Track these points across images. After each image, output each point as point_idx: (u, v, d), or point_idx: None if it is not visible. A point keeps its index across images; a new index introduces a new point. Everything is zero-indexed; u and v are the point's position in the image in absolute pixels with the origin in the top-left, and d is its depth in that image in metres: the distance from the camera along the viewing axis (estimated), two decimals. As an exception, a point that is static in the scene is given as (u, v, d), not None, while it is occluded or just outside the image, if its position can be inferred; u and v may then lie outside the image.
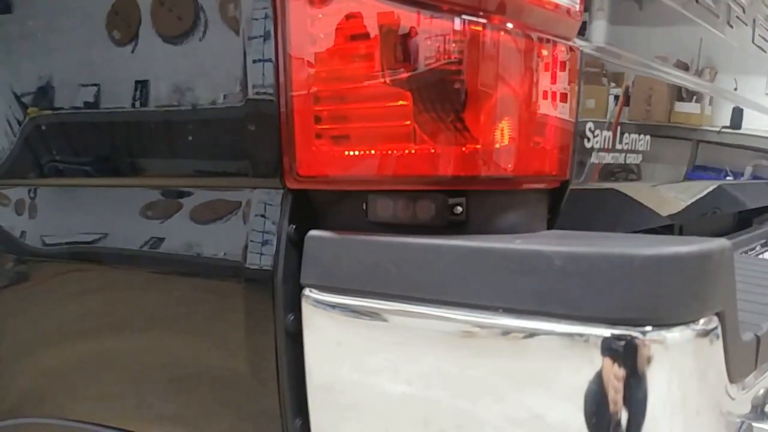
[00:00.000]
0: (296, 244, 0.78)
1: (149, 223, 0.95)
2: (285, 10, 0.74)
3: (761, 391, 0.83)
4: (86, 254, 1.00)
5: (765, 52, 1.60)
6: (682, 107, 1.23)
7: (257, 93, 0.79)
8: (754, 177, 1.70)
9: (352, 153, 0.72)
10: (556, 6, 0.73)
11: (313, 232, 0.77)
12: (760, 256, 1.53)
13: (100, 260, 0.99)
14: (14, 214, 1.10)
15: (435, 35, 0.67)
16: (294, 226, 0.79)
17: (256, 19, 0.77)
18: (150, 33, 0.90)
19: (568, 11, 0.74)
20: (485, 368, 0.67)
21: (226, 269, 0.84)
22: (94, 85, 0.99)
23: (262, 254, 0.80)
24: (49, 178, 1.07)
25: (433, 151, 0.69)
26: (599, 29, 0.84)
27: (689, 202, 1.35)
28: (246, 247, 0.81)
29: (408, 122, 0.69)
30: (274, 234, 0.79)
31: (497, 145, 0.69)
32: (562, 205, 0.80)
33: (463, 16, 0.67)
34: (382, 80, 0.69)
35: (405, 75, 0.68)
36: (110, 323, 0.99)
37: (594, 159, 0.85)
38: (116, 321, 0.98)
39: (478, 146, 0.68)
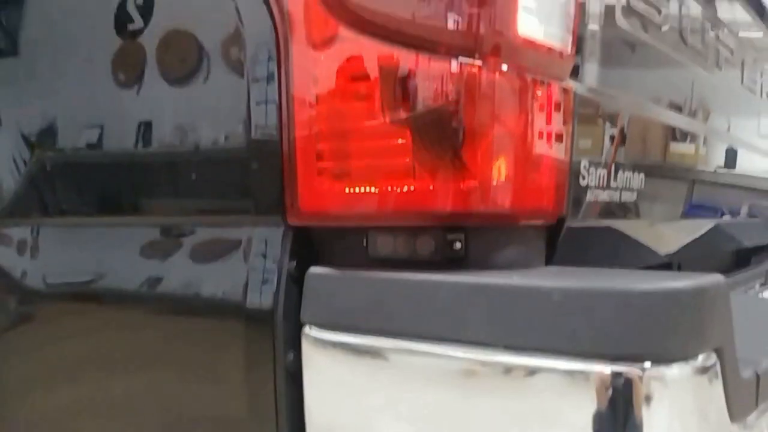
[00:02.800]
0: (297, 280, 0.79)
1: (151, 261, 0.96)
2: (288, 53, 0.76)
3: (765, 431, 0.83)
4: (88, 293, 1.00)
5: (754, 93, 1.64)
6: (676, 147, 1.25)
7: (261, 132, 0.80)
8: (751, 215, 1.72)
9: (352, 189, 0.74)
10: (549, 49, 0.75)
11: (313, 269, 0.78)
12: (760, 295, 1.53)
13: (101, 299, 0.99)
14: (16, 253, 1.11)
15: (433, 76, 0.69)
16: (295, 263, 0.79)
17: (260, 62, 0.80)
18: (155, 75, 0.92)
19: (560, 54, 0.77)
20: (488, 406, 0.67)
21: (226, 307, 0.84)
22: (100, 126, 1.01)
23: (262, 291, 0.80)
24: (52, 217, 1.08)
25: (431, 187, 0.70)
26: (592, 71, 0.87)
27: (687, 241, 1.36)
28: (247, 283, 0.82)
29: (407, 159, 0.70)
30: (275, 270, 0.80)
31: (494, 182, 0.70)
32: (559, 242, 0.81)
33: (460, 58, 0.69)
34: (382, 119, 0.71)
35: (404, 114, 0.70)
36: (109, 363, 0.98)
37: (590, 197, 0.86)
38: (115, 361, 0.97)
39: (476, 182, 0.70)
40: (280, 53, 0.77)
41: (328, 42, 0.74)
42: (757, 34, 1.74)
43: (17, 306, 1.10)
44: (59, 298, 1.05)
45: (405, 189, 0.71)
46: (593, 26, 0.86)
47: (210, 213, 0.91)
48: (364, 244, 0.76)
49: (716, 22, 1.39)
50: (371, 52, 0.72)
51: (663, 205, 1.22)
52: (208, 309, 0.87)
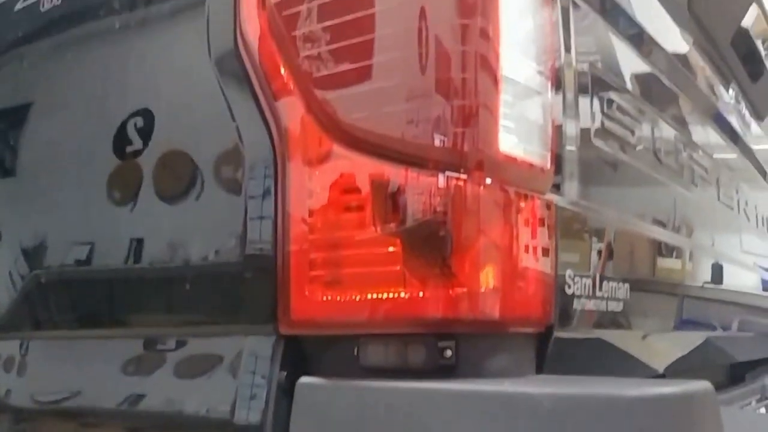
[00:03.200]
0: (287, 391, 0.78)
1: (143, 375, 0.95)
2: (285, 169, 0.81)
3: None
4: (81, 409, 0.99)
5: (732, 209, 1.69)
6: (663, 262, 1.28)
7: (255, 245, 0.83)
8: (741, 330, 1.72)
9: (344, 297, 0.75)
10: (530, 164, 0.80)
11: (304, 379, 0.78)
12: (756, 412, 1.50)
13: (96, 415, 0.98)
14: (3, 369, 1.10)
15: (421, 189, 0.73)
16: (285, 374, 0.79)
17: (257, 179, 0.84)
18: (155, 193, 0.96)
19: (541, 169, 0.82)
20: None
21: (214, 423, 0.83)
22: (97, 242, 1.04)
23: (251, 406, 0.80)
24: (44, 331, 1.08)
25: (422, 294, 0.72)
26: (572, 186, 0.91)
27: (679, 355, 1.36)
28: (235, 398, 0.81)
29: (398, 267, 0.73)
30: (265, 381, 0.80)
31: (482, 289, 0.73)
32: (549, 351, 0.82)
33: (447, 173, 0.73)
34: (373, 230, 0.74)
35: (395, 225, 0.73)
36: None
37: (577, 306, 0.88)
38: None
39: (465, 290, 0.72)
40: (276, 170, 0.82)
41: (322, 159, 0.79)
42: (731, 155, 1.83)
43: (7, 422, 1.08)
44: (47, 414, 1.03)
45: (396, 296, 0.73)
46: (571, 146, 0.92)
47: (202, 324, 0.92)
48: (355, 353, 0.77)
49: (690, 144, 1.47)
50: (363, 167, 0.76)
51: (653, 319, 1.23)
52: (196, 425, 0.86)
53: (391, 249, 0.73)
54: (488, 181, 0.74)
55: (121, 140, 1.00)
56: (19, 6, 1.22)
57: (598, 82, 1.04)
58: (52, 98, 1.16)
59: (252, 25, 0.85)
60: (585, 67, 1.00)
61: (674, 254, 1.34)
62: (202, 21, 0.92)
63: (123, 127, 1.00)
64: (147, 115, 0.98)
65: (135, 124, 0.99)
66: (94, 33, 1.13)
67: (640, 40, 1.28)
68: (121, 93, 1.04)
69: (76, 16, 1.15)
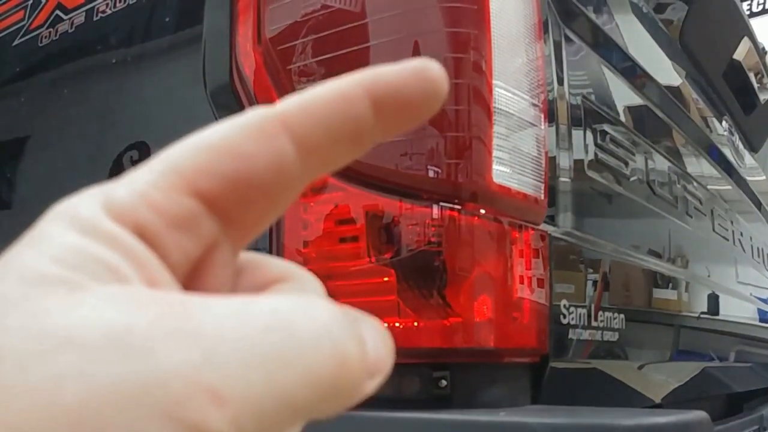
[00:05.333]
0: None
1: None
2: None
3: None
4: None
5: (727, 240, 1.70)
6: (658, 292, 1.28)
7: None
8: (738, 361, 1.71)
9: (339, 327, 0.75)
10: (525, 195, 0.81)
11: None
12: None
13: None
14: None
15: (416, 220, 0.74)
16: None
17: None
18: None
19: (535, 200, 0.83)
20: None
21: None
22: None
23: None
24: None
25: (416, 324, 0.72)
26: (567, 218, 0.92)
27: (675, 385, 1.35)
28: None
29: (392, 297, 0.73)
30: None
31: (477, 319, 0.73)
32: (544, 382, 0.82)
33: (441, 204, 0.74)
34: (368, 260, 0.74)
35: (389, 255, 0.74)
36: None
37: (573, 336, 0.88)
38: None
39: (459, 320, 0.72)
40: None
41: (317, 190, 0.79)
42: (725, 187, 1.84)
43: None
44: None
45: (390, 326, 0.73)
46: (565, 177, 0.93)
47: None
48: (350, 383, 0.77)
49: (684, 175, 1.48)
50: (358, 199, 0.77)
51: (649, 350, 1.23)
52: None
53: (385, 279, 0.73)
54: (482, 212, 0.75)
55: (117, 173, 1.00)
56: (17, 41, 1.24)
57: (591, 114, 1.05)
58: (49, 131, 1.17)
59: (247, 59, 0.87)
60: (578, 99, 1.01)
61: (670, 285, 1.34)
62: (198, 55, 0.94)
63: (119, 159, 1.00)
64: (143, 148, 0.99)
65: (131, 157, 1.00)
66: (91, 67, 1.15)
67: (632, 73, 1.30)
68: (118, 126, 1.05)
69: (75, 50, 1.17)
